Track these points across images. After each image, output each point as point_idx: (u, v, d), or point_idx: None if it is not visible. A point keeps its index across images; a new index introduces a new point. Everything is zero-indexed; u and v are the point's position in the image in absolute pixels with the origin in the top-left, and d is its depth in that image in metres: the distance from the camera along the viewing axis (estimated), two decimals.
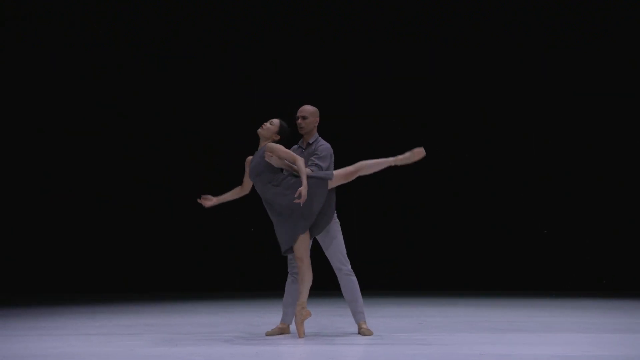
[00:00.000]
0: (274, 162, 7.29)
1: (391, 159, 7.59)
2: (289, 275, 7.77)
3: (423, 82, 15.69)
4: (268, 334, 7.73)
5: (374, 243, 15.62)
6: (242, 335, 7.73)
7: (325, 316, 9.83)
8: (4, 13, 15.12)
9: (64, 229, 15.62)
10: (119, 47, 15.59)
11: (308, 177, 7.17)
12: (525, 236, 15.60)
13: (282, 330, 7.76)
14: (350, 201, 15.42)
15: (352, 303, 7.70)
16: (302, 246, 7.33)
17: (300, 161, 7.21)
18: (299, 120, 7.68)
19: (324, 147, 7.59)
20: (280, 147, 7.32)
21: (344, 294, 7.74)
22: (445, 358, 6.03)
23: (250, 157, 7.56)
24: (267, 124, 7.48)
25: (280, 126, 7.49)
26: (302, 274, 7.33)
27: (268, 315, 9.83)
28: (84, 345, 7.03)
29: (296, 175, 7.29)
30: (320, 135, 7.69)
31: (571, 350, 6.45)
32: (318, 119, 7.73)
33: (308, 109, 7.71)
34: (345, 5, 15.76)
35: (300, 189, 7.06)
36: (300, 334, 7.28)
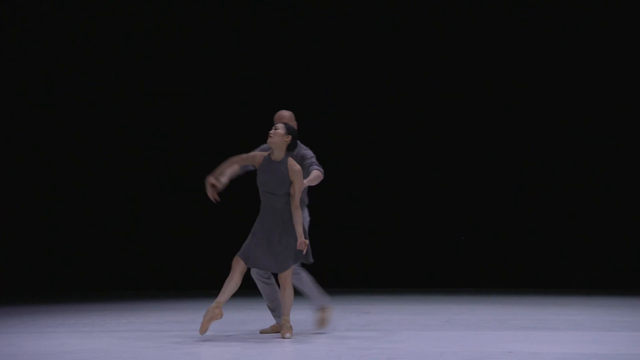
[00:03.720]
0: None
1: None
2: (258, 282, 7.69)
3: (423, 81, 15.80)
4: (318, 327, 7.73)
5: (402, 241, 15.62)
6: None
7: (354, 314, 9.82)
8: (4, 13, 15.29)
9: (90, 228, 15.77)
10: (118, 47, 15.74)
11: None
12: (552, 234, 15.55)
13: (324, 319, 7.73)
14: (381, 201, 15.47)
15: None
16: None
17: (299, 213, 7.22)
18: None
19: (308, 151, 7.58)
20: (301, 179, 7.24)
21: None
22: (473, 356, 5.97)
23: (256, 154, 7.36)
24: (274, 130, 7.29)
25: (287, 127, 7.30)
26: (231, 279, 7.18)
27: (295, 312, 9.83)
28: (113, 341, 7.06)
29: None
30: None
31: (601, 348, 6.37)
32: (296, 123, 7.62)
33: (285, 115, 7.58)
34: (344, 5, 15.87)
35: (300, 242, 7.14)
36: (202, 331, 7.10)
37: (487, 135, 16.36)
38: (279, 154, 7.25)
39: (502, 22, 15.99)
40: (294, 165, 7.23)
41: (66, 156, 16.09)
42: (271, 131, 7.29)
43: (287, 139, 7.26)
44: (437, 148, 16.49)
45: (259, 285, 7.72)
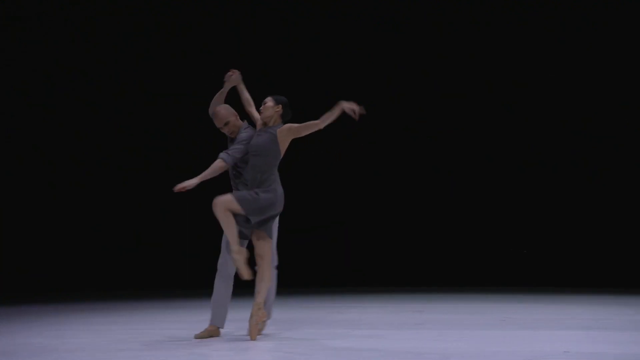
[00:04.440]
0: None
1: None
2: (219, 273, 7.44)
3: (423, 81, 15.91)
4: (197, 337, 7.24)
5: (458, 239, 15.74)
6: (310, 332, 7.69)
7: (408, 312, 9.80)
8: (4, 13, 15.21)
9: (89, 228, 15.74)
10: (118, 47, 15.72)
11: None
12: (611, 234, 15.64)
13: (211, 333, 7.29)
14: (380, 200, 15.52)
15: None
16: (268, 245, 7.09)
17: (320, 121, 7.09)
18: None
19: (244, 134, 7.42)
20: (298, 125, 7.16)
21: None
22: (528, 355, 5.94)
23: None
24: (263, 106, 7.28)
25: (275, 98, 7.29)
26: (262, 272, 7.03)
27: (348, 311, 9.84)
28: (165, 339, 7.05)
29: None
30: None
31: None
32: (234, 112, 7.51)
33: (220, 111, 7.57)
34: (344, 5, 15.96)
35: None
36: (254, 336, 6.89)
37: (487, 135, 16.44)
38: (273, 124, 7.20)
39: (502, 22, 16.08)
40: (285, 126, 7.16)
41: (66, 156, 15.98)
42: (261, 107, 7.30)
43: (277, 109, 7.23)
44: (437, 148, 16.54)
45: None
